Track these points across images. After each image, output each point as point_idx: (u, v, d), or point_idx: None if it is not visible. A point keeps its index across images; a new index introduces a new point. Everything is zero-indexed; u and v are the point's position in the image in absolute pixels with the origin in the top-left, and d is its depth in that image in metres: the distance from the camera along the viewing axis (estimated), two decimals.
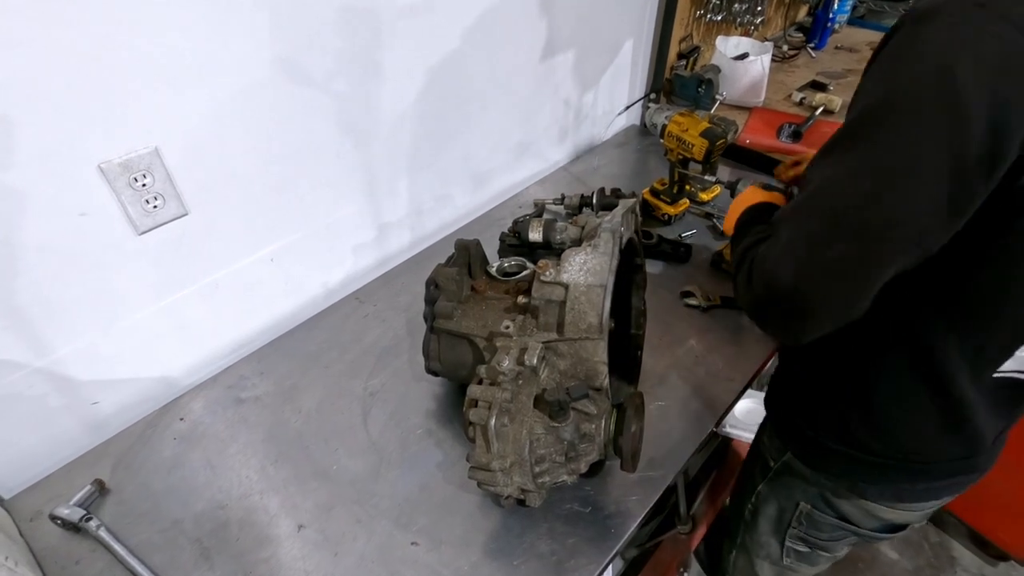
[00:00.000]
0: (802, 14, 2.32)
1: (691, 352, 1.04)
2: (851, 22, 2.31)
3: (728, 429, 1.45)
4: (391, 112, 1.08)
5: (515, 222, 0.91)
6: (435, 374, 0.91)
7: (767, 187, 0.95)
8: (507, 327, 0.77)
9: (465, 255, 0.88)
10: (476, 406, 0.68)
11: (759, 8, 1.87)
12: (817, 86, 1.83)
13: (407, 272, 1.23)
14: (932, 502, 0.83)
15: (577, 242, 0.84)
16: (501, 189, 1.45)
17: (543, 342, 0.72)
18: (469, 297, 0.85)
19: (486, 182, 1.40)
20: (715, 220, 1.32)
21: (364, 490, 0.85)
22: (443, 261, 0.90)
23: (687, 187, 1.34)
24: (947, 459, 0.77)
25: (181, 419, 0.96)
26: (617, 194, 1.28)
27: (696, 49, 1.76)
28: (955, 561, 1.73)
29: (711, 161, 1.20)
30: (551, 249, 0.90)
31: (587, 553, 0.77)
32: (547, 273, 0.73)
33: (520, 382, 0.70)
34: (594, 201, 1.26)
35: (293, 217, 1.04)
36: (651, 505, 0.82)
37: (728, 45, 1.74)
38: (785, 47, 2.13)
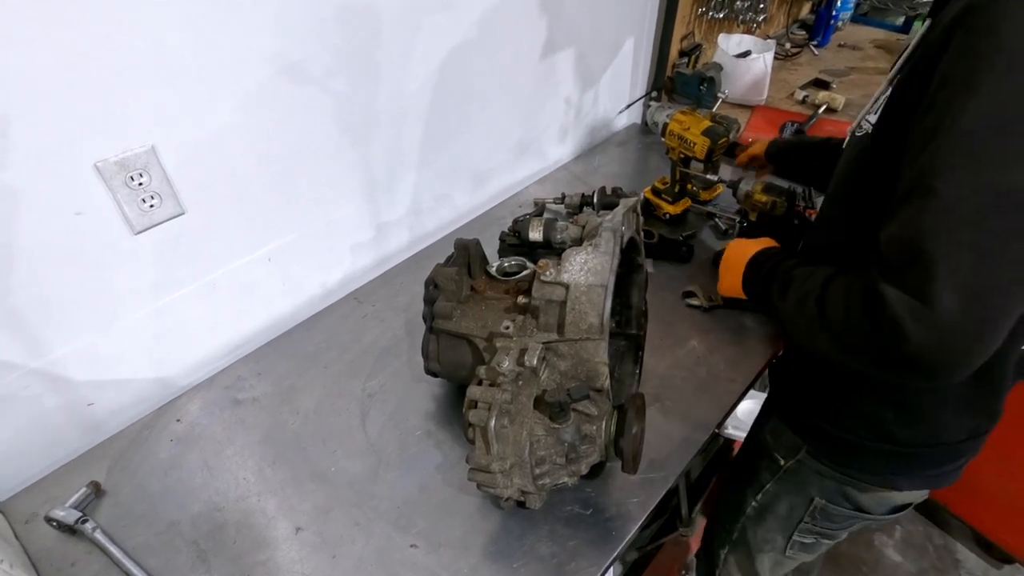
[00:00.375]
0: (805, 11, 2.31)
1: (693, 353, 1.03)
2: (854, 19, 2.30)
3: (730, 430, 1.44)
4: (390, 111, 1.07)
5: (515, 221, 0.90)
6: (434, 375, 0.90)
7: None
8: (507, 327, 0.76)
9: (464, 255, 0.87)
10: (476, 407, 0.67)
11: (761, 5, 1.86)
12: (820, 84, 1.81)
13: (406, 272, 1.23)
14: (953, 479, 0.85)
15: (578, 241, 0.83)
16: (501, 188, 1.44)
17: (543, 343, 0.71)
18: (469, 297, 0.84)
19: (486, 181, 1.39)
20: (716, 220, 1.31)
21: (363, 492, 0.84)
22: (442, 261, 0.89)
23: (688, 186, 1.33)
24: (973, 435, 0.79)
25: (178, 420, 0.95)
26: (618, 193, 1.27)
27: (698, 47, 1.75)
28: (959, 564, 1.72)
29: (713, 160, 1.19)
30: (552, 249, 0.90)
31: (588, 555, 0.76)
32: (547, 273, 0.72)
33: (520, 383, 0.70)
34: (595, 200, 1.25)
35: (291, 216, 1.03)
36: (652, 507, 0.81)
37: (730, 43, 1.73)
38: (788, 45, 2.12)
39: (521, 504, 0.73)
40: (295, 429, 0.93)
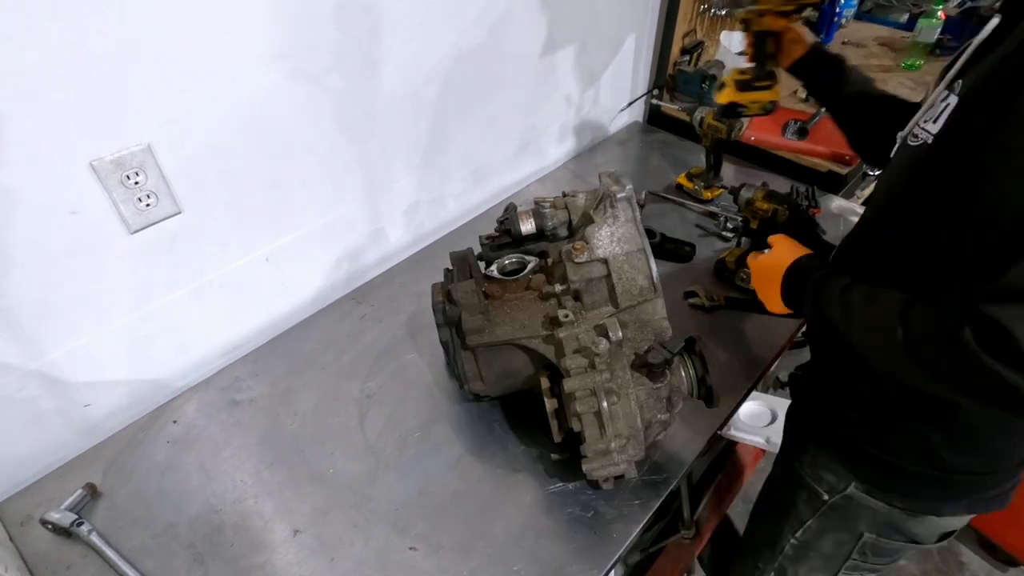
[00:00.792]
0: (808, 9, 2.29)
1: None
2: (858, 16, 2.28)
3: (733, 432, 1.42)
4: (388, 109, 1.07)
5: (500, 222, 0.89)
6: (477, 396, 0.86)
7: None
8: (566, 316, 0.75)
9: (466, 267, 0.85)
10: (576, 399, 0.69)
11: None
12: None
13: (405, 272, 1.22)
14: (1000, 505, 0.80)
15: (567, 224, 0.84)
16: (501, 187, 1.43)
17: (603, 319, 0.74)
18: (488, 306, 0.81)
19: (486, 180, 1.38)
20: (718, 219, 1.30)
21: (361, 494, 0.83)
22: (442, 261, 0.88)
23: (691, 185, 1.33)
24: (1019, 462, 0.76)
25: (174, 422, 0.94)
26: None
27: (700, 44, 1.74)
28: (964, 566, 1.71)
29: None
30: (544, 238, 0.88)
31: (588, 558, 0.75)
32: (582, 255, 0.74)
33: (610, 360, 0.71)
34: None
35: (289, 216, 1.03)
36: (654, 510, 0.80)
37: (732, 40, 1.71)
38: None
39: (619, 478, 0.75)
40: (293, 430, 0.92)
